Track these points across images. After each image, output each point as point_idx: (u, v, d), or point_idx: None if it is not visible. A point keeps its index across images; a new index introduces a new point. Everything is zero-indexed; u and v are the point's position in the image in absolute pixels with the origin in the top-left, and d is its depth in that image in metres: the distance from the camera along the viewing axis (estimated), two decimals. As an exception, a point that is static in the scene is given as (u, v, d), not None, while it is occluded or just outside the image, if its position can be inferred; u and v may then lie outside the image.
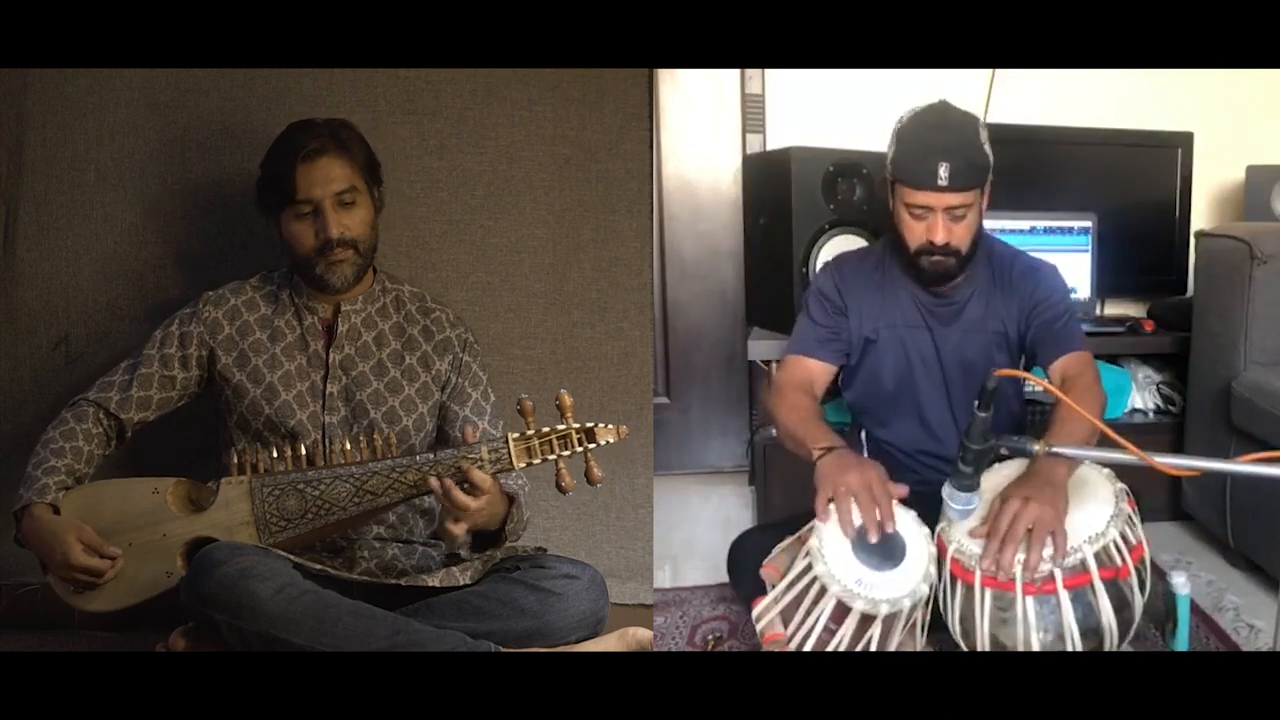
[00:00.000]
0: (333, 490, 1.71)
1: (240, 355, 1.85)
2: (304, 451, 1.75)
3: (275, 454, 1.74)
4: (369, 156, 1.86)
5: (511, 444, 1.69)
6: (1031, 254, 1.97)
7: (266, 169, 1.83)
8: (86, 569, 1.67)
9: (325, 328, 1.88)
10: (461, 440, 1.73)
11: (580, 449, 1.70)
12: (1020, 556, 1.51)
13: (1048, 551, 1.51)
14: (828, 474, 1.63)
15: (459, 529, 1.70)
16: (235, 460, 1.74)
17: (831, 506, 1.60)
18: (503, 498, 1.75)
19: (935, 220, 1.78)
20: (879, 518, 1.57)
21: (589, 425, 1.70)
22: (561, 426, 1.70)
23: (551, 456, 1.70)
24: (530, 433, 1.70)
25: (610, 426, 1.71)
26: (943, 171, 1.73)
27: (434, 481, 1.67)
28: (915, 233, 1.80)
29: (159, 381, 1.85)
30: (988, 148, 1.79)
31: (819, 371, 1.91)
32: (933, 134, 1.77)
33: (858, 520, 1.58)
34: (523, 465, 1.70)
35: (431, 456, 1.71)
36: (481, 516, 1.72)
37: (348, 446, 1.74)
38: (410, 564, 1.86)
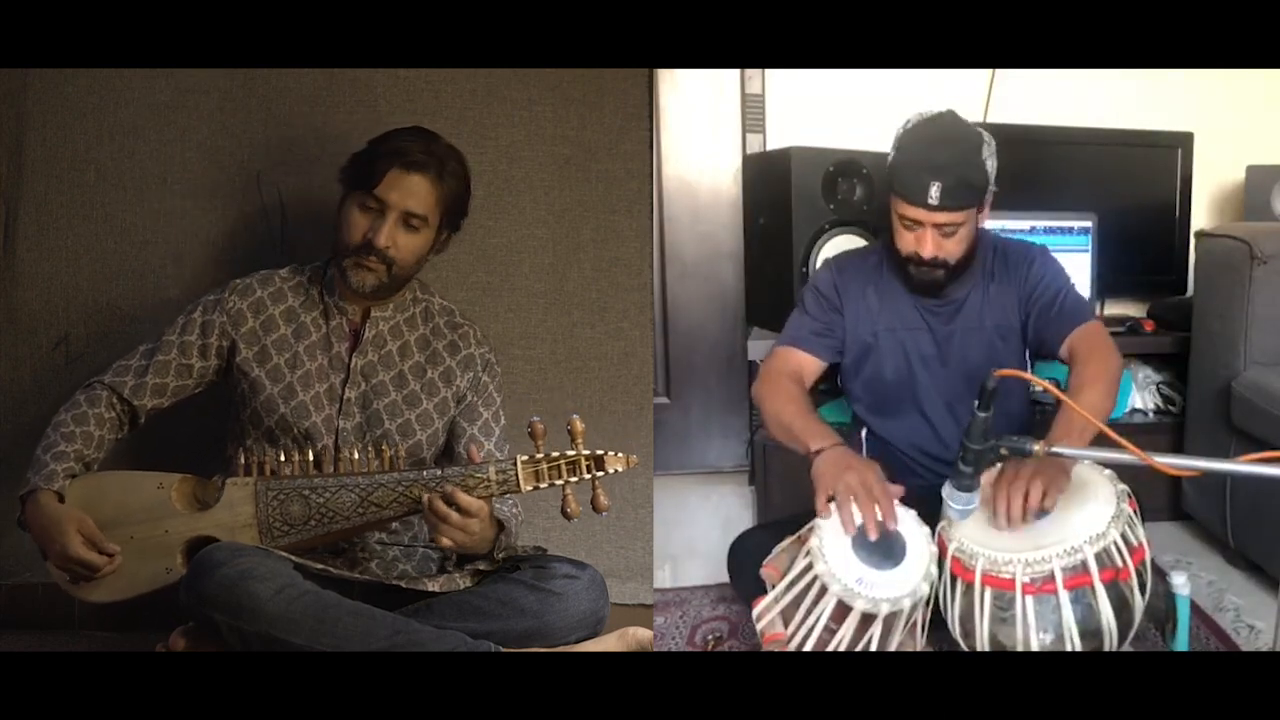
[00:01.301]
0: (337, 499, 1.71)
1: (261, 351, 1.83)
2: (311, 456, 1.74)
3: (283, 457, 1.73)
4: (459, 200, 1.83)
5: (520, 466, 1.68)
6: (1019, 239, 1.97)
7: (368, 151, 1.80)
8: (83, 562, 1.67)
9: (352, 331, 1.86)
10: (467, 459, 1.72)
11: (588, 476, 1.69)
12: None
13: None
14: (826, 473, 1.63)
15: (445, 544, 1.69)
16: (242, 460, 1.73)
17: (833, 505, 1.60)
18: (492, 523, 1.74)
19: (924, 234, 1.78)
20: (879, 516, 1.58)
21: (599, 453, 1.69)
22: (571, 452, 1.69)
23: (559, 482, 1.68)
24: (539, 456, 1.68)
25: (620, 455, 1.70)
26: (934, 190, 1.72)
27: (425, 497, 1.66)
28: (906, 242, 1.81)
29: (176, 369, 1.83)
30: (989, 164, 1.78)
31: (809, 364, 1.91)
32: (930, 149, 1.76)
33: (858, 519, 1.58)
34: (529, 488, 1.68)
35: (439, 473, 1.70)
36: (468, 539, 1.69)
37: (355, 456, 1.73)
38: (411, 566, 1.86)
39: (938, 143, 1.77)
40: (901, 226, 1.80)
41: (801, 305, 1.96)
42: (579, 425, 1.69)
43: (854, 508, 1.59)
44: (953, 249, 1.80)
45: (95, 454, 1.78)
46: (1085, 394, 1.66)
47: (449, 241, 1.88)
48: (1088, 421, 1.50)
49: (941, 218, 1.76)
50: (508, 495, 1.71)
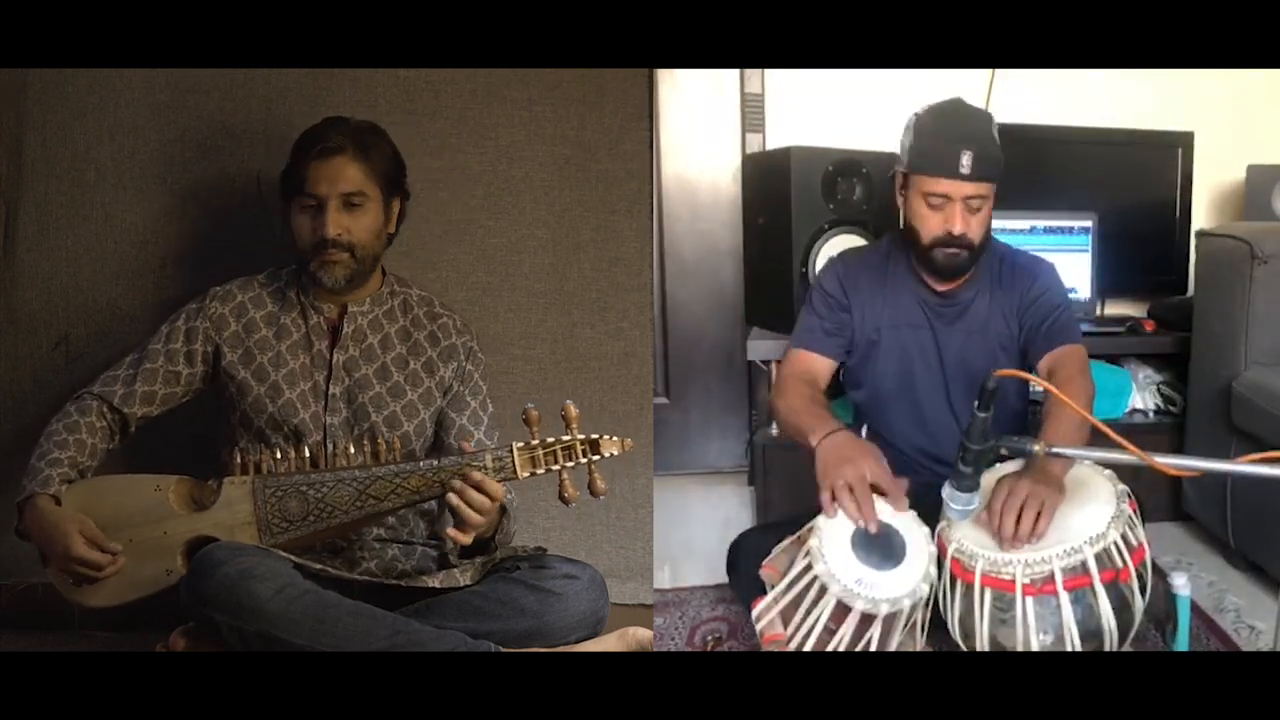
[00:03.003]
0: (335, 493, 1.71)
1: (245, 352, 1.85)
2: (307, 453, 1.75)
3: (279, 455, 1.73)
4: (391, 166, 1.85)
5: (516, 453, 1.69)
6: (1030, 251, 1.98)
7: (290, 157, 1.84)
8: (86, 562, 1.67)
9: (330, 328, 1.88)
10: (460, 449, 1.73)
11: (584, 460, 1.70)
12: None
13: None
14: (826, 465, 1.63)
15: (467, 538, 1.70)
16: (238, 460, 1.74)
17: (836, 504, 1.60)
18: (498, 509, 1.75)
19: (954, 210, 1.78)
20: (880, 510, 1.57)
21: (594, 437, 1.70)
22: (566, 437, 1.70)
23: (555, 467, 1.69)
24: (535, 442, 1.69)
25: (615, 439, 1.70)
26: (965, 159, 1.74)
27: (453, 498, 1.67)
28: (931, 224, 1.80)
29: (163, 377, 1.84)
30: (999, 144, 1.81)
31: (821, 365, 1.91)
32: (953, 123, 1.79)
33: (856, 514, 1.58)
34: (527, 475, 1.69)
35: (435, 463, 1.71)
36: (484, 524, 1.72)
37: (350, 450, 1.74)
38: (410, 565, 1.86)
39: (958, 117, 1.80)
40: (927, 207, 1.80)
41: (810, 306, 1.96)
42: (573, 410, 1.70)
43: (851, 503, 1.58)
44: (977, 227, 1.80)
45: (89, 462, 1.78)
46: (1057, 417, 1.64)
47: (404, 211, 1.90)
48: (1077, 430, 1.51)
49: (971, 189, 1.77)
50: (505, 483, 1.71)
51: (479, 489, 1.67)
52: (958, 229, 1.78)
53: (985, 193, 1.78)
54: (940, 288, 1.89)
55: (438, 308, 1.94)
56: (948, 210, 1.78)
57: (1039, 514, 1.52)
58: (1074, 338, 1.84)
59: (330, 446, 1.78)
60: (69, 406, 1.83)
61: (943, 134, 1.77)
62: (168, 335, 1.86)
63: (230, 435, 1.85)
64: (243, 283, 1.90)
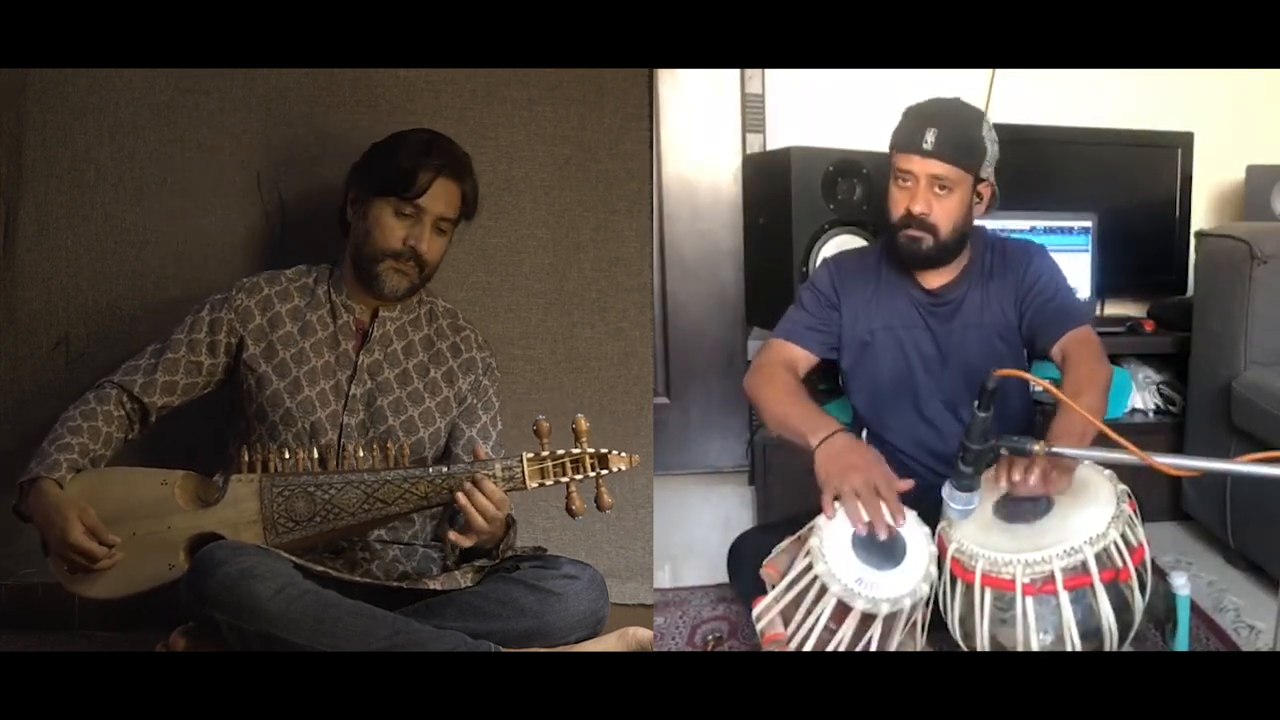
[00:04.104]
0: (343, 496, 1.71)
1: (268, 346, 1.84)
2: (316, 454, 1.75)
3: (287, 454, 1.73)
4: (474, 202, 1.89)
5: (526, 464, 1.70)
6: (1019, 239, 1.99)
7: (394, 155, 1.82)
8: (83, 551, 1.66)
9: (359, 330, 1.88)
10: (474, 455, 1.74)
11: (593, 474, 1.70)
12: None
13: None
14: (831, 471, 1.62)
15: (468, 541, 1.71)
16: (246, 457, 1.73)
17: (838, 504, 1.59)
18: (505, 519, 1.76)
19: (917, 188, 1.79)
20: (886, 518, 1.57)
21: (603, 451, 1.71)
22: (576, 450, 1.71)
23: (564, 479, 1.70)
24: (545, 454, 1.70)
25: (623, 454, 1.72)
26: (929, 136, 1.76)
27: (461, 497, 1.68)
28: (898, 204, 1.82)
29: (186, 367, 1.84)
30: (988, 141, 1.81)
31: (800, 357, 1.91)
32: (929, 105, 1.81)
33: (865, 518, 1.57)
34: (535, 485, 1.70)
35: (445, 470, 1.71)
36: (489, 532, 1.72)
37: (360, 453, 1.74)
38: (411, 566, 1.86)
39: (936, 103, 1.82)
40: (897, 187, 1.82)
41: (799, 302, 1.96)
42: (584, 424, 1.70)
43: (860, 508, 1.58)
44: (942, 214, 1.80)
45: (102, 450, 1.78)
46: (1079, 400, 1.65)
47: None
48: (1087, 422, 1.50)
49: (936, 167, 1.77)
50: (512, 493, 1.72)
51: (490, 496, 1.68)
52: (917, 208, 1.79)
53: (951, 174, 1.78)
54: (931, 285, 1.89)
55: (460, 320, 1.95)
56: (912, 189, 1.80)
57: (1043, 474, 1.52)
58: (1079, 318, 1.83)
59: (342, 447, 1.78)
60: (88, 394, 1.82)
61: (914, 113, 1.81)
62: (191, 325, 1.85)
63: (244, 429, 1.85)
64: (270, 276, 1.90)
